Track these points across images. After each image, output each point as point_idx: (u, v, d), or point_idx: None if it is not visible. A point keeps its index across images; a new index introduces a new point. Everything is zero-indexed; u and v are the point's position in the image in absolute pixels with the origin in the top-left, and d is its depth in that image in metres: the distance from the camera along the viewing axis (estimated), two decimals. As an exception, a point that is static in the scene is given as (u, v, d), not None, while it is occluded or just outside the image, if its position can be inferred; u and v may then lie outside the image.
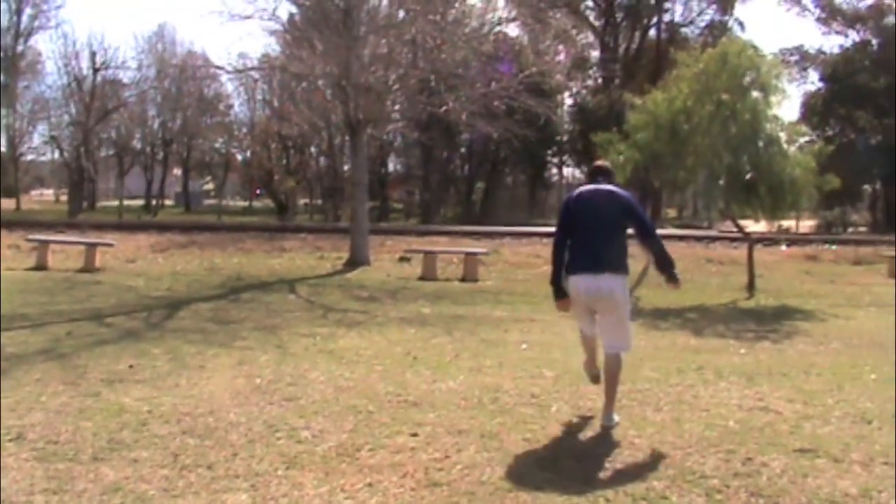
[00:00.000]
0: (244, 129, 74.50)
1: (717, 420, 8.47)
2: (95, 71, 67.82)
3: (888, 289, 23.65)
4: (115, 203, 69.26)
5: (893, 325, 16.21)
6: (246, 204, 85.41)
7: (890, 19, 62.92)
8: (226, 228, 36.79)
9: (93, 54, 68.16)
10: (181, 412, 8.38)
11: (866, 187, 66.67)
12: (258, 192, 78.56)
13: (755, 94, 21.51)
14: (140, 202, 77.84)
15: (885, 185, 64.23)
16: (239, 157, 78.17)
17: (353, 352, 12.04)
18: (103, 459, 6.94)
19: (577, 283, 8.34)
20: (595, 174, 8.83)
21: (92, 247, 24.21)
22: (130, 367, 10.57)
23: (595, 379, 8.89)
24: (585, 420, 8.44)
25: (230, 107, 78.01)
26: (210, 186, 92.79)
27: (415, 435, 7.80)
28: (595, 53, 69.20)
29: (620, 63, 66.13)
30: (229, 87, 74.28)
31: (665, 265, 8.49)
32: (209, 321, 14.99)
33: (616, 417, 8.27)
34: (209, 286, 20.57)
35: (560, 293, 8.45)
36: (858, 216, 68.91)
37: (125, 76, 73.27)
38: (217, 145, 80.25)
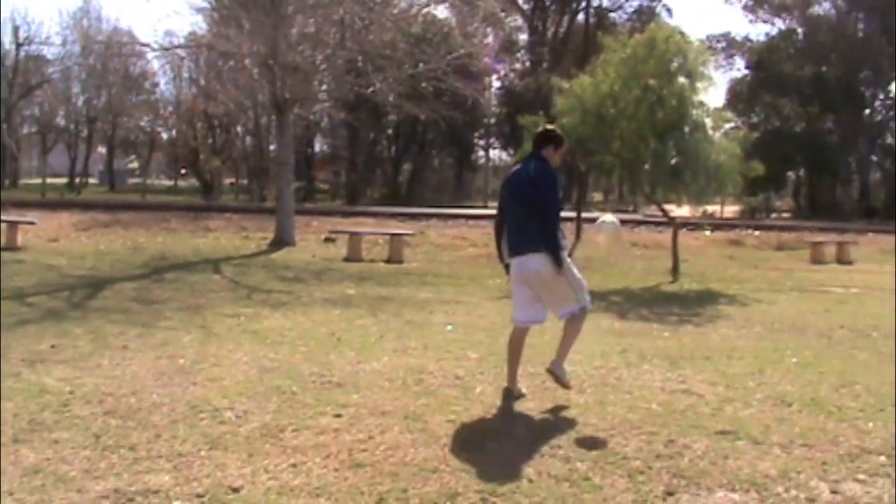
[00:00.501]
0: (170, 108, 73.76)
1: (639, 402, 8.53)
2: (18, 46, 66.99)
3: (810, 274, 24.01)
4: (38, 181, 68.39)
5: (814, 310, 16.47)
6: (171, 183, 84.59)
7: (815, 9, 63.65)
8: (150, 207, 36.55)
9: (16, 29, 67.32)
10: (103, 393, 8.29)
11: (790, 174, 67.50)
12: (183, 171, 77.90)
13: (682, 79, 21.71)
14: (63, 180, 76.69)
15: (809, 173, 65.09)
16: (164, 136, 77.43)
17: (278, 332, 12.00)
18: (24, 441, 6.85)
19: (512, 265, 8.58)
20: (533, 144, 8.85)
21: (13, 225, 23.92)
22: (52, 347, 10.46)
23: (511, 396, 8.65)
24: (510, 402, 8.46)
25: (156, 85, 77.16)
26: (135, 165, 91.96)
27: (338, 416, 7.78)
28: (523, 37, 69.51)
29: (549, 47, 66.43)
30: (155, 65, 73.43)
31: (548, 246, 8.35)
32: (132, 301, 14.86)
33: (567, 373, 8.50)
34: (133, 266, 20.41)
35: (507, 269, 8.71)
36: (782, 202, 69.90)
37: (49, 52, 72.47)
38: (142, 123, 79.34)
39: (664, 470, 6.61)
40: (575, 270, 8.60)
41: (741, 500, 6.07)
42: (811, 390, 9.33)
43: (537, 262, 8.31)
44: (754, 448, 7.22)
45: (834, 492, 6.29)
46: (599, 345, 11.74)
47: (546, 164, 8.56)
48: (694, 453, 7.01)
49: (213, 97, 49.44)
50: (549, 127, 9.16)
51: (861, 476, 6.64)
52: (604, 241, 8.20)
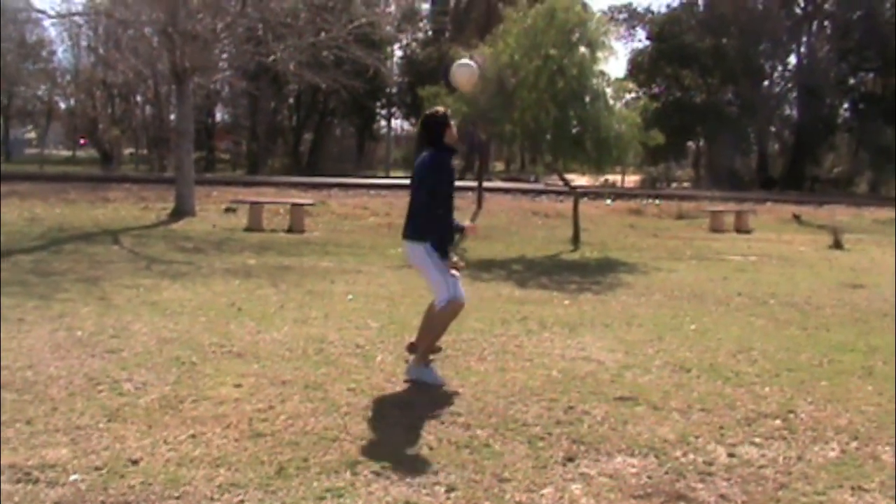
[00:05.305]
0: (68, 77, 72.62)
1: (540, 370, 8.58)
2: None
3: (709, 242, 24.30)
4: (-68, 152, 67.23)
5: (713, 277, 16.66)
6: (69, 153, 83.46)
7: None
8: (48, 178, 35.91)
9: None
10: (-1, 365, 8.17)
11: (690, 144, 68.27)
12: (82, 141, 76.82)
13: (582, 49, 21.78)
14: (-42, 151, 75.42)
15: (709, 143, 65.89)
16: (62, 106, 76.31)
17: (177, 303, 11.89)
18: (-84, 413, 6.73)
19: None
20: (427, 132, 8.30)
21: None
22: (-54, 319, 10.28)
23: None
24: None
25: (53, 53, 75.86)
26: (32, 135, 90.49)
27: (238, 386, 7.74)
28: (425, 6, 69.34)
29: (450, 16, 66.30)
30: (52, 33, 72.37)
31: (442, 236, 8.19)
32: (29, 273, 14.60)
33: (429, 372, 8.25)
34: (30, 237, 20.07)
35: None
36: (682, 172, 70.70)
37: (-60, 19, 70.78)
38: (39, 93, 78.03)
39: (564, 436, 6.66)
40: (437, 272, 8.15)
41: (640, 465, 6.14)
42: (709, 356, 9.46)
43: (408, 249, 8.25)
44: (653, 413, 7.31)
45: (731, 455, 6.38)
46: (500, 313, 11.82)
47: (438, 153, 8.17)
48: (593, 419, 7.08)
49: (112, 66, 48.76)
50: (439, 110, 8.44)
51: (757, 439, 6.75)
52: (463, 81, 8.10)
